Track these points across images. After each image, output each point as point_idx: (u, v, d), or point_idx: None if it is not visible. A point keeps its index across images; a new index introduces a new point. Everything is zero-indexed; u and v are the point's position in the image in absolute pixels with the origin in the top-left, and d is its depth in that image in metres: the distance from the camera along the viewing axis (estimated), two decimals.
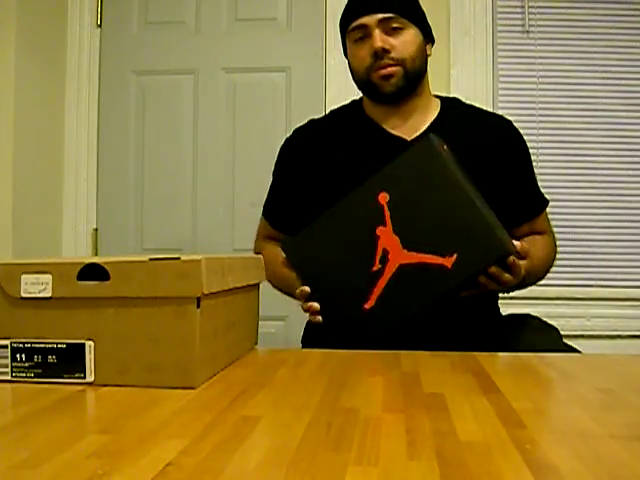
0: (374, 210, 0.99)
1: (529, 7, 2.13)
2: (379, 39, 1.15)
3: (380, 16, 1.16)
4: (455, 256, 0.95)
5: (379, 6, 1.16)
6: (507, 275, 1.00)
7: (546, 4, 2.13)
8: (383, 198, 0.99)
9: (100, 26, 2.23)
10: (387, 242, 0.98)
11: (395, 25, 1.16)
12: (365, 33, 1.17)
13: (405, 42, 1.17)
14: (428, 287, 0.97)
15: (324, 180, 1.21)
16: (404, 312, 0.98)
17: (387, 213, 0.98)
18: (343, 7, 1.24)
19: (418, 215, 0.98)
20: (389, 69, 1.16)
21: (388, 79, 1.17)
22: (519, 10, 2.13)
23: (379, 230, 0.98)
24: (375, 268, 0.98)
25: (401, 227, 0.98)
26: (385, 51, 1.15)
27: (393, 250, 0.98)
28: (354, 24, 1.18)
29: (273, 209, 1.32)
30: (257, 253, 1.26)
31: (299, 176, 1.26)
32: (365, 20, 1.16)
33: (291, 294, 1.15)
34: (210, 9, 2.21)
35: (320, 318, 1.03)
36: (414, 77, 1.19)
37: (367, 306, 0.99)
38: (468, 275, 0.96)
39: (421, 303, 0.98)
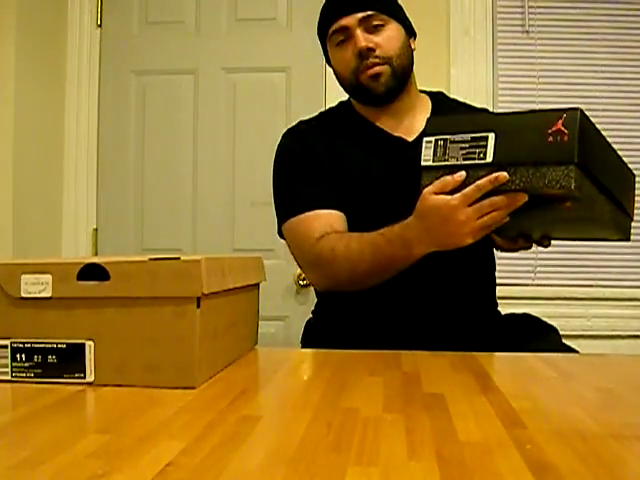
0: None
1: (529, 7, 2.12)
2: (362, 38, 1.12)
3: (360, 15, 1.12)
4: None
5: (357, 5, 1.13)
6: None
7: (546, 4, 2.13)
8: None
9: (100, 26, 2.23)
10: None
11: (376, 23, 1.13)
12: (347, 35, 1.14)
13: (389, 38, 1.14)
14: None
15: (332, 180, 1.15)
16: None
17: None
18: None
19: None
20: (376, 68, 1.13)
21: (377, 79, 1.13)
22: (519, 10, 2.13)
23: None
24: None
25: None
26: (370, 50, 1.12)
27: None
28: (334, 27, 1.15)
29: (316, 191, 1.15)
30: (325, 260, 1.07)
31: (316, 166, 1.17)
32: (345, 21, 1.13)
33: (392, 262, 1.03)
34: (210, 9, 2.21)
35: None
36: (402, 74, 1.16)
37: None
38: None
39: None
